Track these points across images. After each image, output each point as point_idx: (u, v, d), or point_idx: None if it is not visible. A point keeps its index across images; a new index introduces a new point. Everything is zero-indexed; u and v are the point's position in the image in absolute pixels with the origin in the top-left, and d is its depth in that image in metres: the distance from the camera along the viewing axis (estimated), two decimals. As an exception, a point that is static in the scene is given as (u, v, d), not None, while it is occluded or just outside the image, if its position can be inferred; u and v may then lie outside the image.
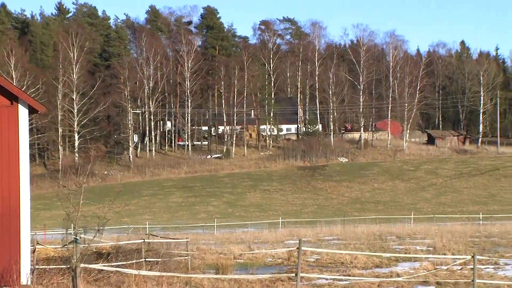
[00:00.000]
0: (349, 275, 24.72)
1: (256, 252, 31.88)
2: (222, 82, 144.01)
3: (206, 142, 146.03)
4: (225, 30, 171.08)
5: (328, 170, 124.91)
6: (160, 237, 33.66)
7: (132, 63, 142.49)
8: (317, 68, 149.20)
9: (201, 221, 78.10)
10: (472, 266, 21.73)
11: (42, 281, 19.46)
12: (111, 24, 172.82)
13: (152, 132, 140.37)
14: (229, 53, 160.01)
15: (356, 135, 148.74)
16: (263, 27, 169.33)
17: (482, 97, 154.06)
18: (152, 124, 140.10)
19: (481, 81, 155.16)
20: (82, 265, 17.04)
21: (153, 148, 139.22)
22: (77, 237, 16.94)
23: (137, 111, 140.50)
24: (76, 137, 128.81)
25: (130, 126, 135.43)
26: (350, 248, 35.93)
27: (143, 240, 25.51)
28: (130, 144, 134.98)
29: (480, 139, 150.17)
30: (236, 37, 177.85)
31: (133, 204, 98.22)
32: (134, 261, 22.66)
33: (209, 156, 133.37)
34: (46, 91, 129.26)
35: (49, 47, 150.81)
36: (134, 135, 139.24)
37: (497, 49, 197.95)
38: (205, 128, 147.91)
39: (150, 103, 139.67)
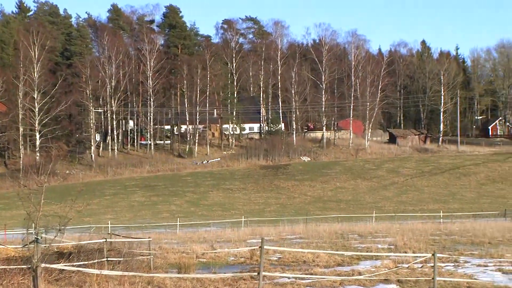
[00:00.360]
0: (311, 274, 24.82)
1: (218, 251, 31.88)
2: (185, 81, 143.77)
3: (169, 141, 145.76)
4: (188, 29, 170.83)
5: (291, 169, 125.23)
6: (122, 236, 33.52)
7: (94, 62, 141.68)
8: (279, 67, 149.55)
9: (163, 220, 77.88)
10: (432, 264, 21.92)
11: (2, 282, 19.31)
12: (73, 22, 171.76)
13: (114, 131, 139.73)
14: (191, 52, 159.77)
15: (318, 134, 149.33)
16: (225, 26, 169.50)
17: (442, 96, 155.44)
18: (114, 123, 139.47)
19: (442, 80, 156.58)
20: (43, 265, 16.95)
21: (115, 147, 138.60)
22: (38, 237, 16.84)
23: (99, 110, 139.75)
24: (37, 136, 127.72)
25: (92, 125, 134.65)
26: (312, 246, 36.07)
27: (105, 240, 25.39)
28: (92, 143, 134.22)
29: (440, 138, 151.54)
30: (199, 36, 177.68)
31: (95, 204, 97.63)
32: (96, 260, 22.55)
33: (205, 161, 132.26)
34: (7, 90, 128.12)
35: (10, 46, 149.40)
36: (96, 134, 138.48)
37: (457, 48, 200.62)
38: (167, 127, 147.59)
39: (112, 102, 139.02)
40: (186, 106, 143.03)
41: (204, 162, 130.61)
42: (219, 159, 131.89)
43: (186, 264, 25.57)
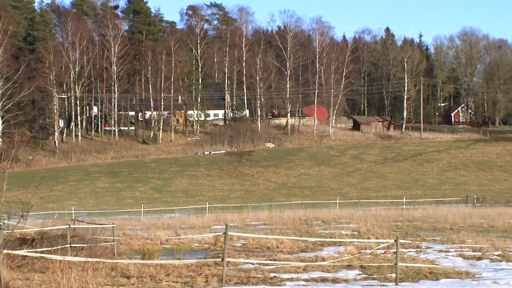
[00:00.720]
0: (275, 260, 24.95)
1: (182, 238, 31.93)
2: (149, 67, 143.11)
3: (133, 128, 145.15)
4: (152, 15, 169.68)
5: (255, 156, 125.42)
6: (86, 222, 33.43)
7: (58, 47, 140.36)
8: (244, 54, 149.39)
9: (127, 207, 77.64)
10: (395, 250, 22.15)
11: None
12: (36, 7, 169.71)
13: (78, 117, 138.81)
14: (156, 38, 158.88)
15: (283, 121, 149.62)
16: (190, 12, 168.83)
17: (406, 84, 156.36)
18: (78, 109, 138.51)
19: (405, 67, 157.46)
20: (5, 251, 16.89)
21: (79, 133, 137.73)
22: (0, 223, 16.76)
23: (63, 96, 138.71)
24: (0, 122, 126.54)
25: (55, 111, 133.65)
26: (276, 233, 36.23)
27: (68, 226, 25.32)
28: (56, 129, 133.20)
29: (404, 125, 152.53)
30: (163, 22, 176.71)
31: (58, 190, 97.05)
32: (59, 247, 22.49)
33: (207, 152, 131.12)
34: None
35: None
36: (59, 120, 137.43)
37: (420, 36, 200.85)
38: (132, 113, 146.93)
39: (76, 88, 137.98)
40: (150, 92, 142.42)
41: (206, 153, 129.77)
42: (224, 151, 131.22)
43: (150, 250, 25.59)
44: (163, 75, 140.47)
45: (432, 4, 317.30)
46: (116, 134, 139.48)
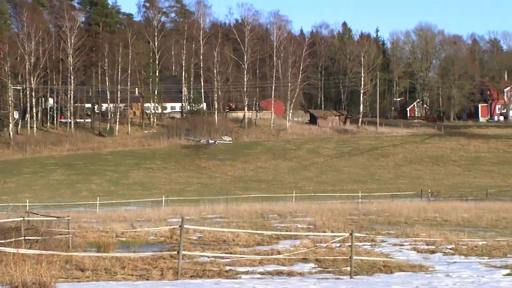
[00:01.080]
0: (231, 253, 25.03)
1: (138, 231, 31.85)
2: (106, 59, 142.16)
3: (89, 120, 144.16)
4: (109, 6, 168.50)
5: (212, 149, 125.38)
6: (41, 215, 33.20)
7: (13, 38, 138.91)
8: (201, 47, 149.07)
9: (83, 199, 77.14)
10: (350, 244, 22.32)
11: None
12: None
13: (34, 109, 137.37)
14: (113, 30, 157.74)
15: (240, 114, 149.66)
16: (147, 4, 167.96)
17: (362, 78, 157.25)
18: (34, 101, 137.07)
19: (362, 62, 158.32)
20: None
21: (35, 125, 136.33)
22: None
23: (18, 87, 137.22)
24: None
25: (10, 102, 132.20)
26: (232, 226, 36.31)
27: (22, 218, 25.12)
28: (11, 121, 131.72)
29: (360, 119, 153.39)
30: (121, 14, 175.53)
31: (12, 182, 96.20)
32: (13, 239, 22.33)
33: (212, 141, 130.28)
34: None
35: None
36: (14, 112, 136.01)
37: (377, 31, 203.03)
38: (88, 105, 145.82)
39: (32, 79, 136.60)
40: (107, 84, 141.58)
41: (212, 142, 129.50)
42: (231, 140, 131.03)
43: (106, 243, 25.52)
44: (120, 67, 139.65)
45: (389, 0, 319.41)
46: (72, 126, 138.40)
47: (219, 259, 23.24)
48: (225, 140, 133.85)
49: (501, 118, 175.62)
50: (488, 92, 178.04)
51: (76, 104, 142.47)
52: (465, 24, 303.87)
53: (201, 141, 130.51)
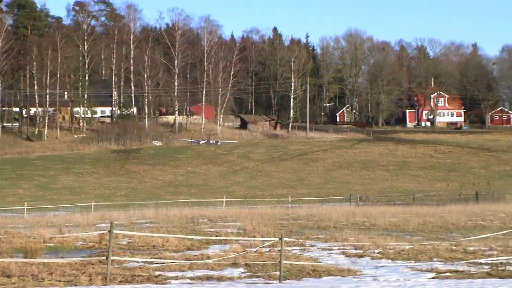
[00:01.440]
0: (160, 258, 24.94)
1: (67, 236, 31.51)
2: (35, 63, 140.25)
3: (17, 124, 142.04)
4: (38, 9, 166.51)
5: (142, 154, 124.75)
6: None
7: None
8: (132, 51, 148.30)
9: (10, 204, 75.95)
10: (279, 248, 22.45)
11: None
12: None
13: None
14: (41, 33, 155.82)
15: (170, 119, 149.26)
16: (77, 8, 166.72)
17: (293, 83, 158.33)
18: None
19: (292, 67, 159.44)
20: None
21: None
22: None
23: None
24: None
25: None
26: (162, 231, 36.16)
27: None
28: None
29: (290, 124, 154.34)
30: (49, 17, 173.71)
31: None
32: None
33: (213, 141, 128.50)
34: None
35: None
36: None
37: (307, 36, 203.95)
38: (16, 109, 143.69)
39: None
40: (35, 88, 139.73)
41: (212, 142, 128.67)
42: (236, 141, 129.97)
43: (33, 248, 25.19)
44: (48, 71, 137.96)
45: (319, 5, 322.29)
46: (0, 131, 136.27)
47: (148, 264, 23.17)
48: (155, 145, 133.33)
49: (428, 123, 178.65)
50: (416, 98, 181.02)
51: (4, 108, 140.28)
52: (393, 30, 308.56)
53: (200, 142, 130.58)
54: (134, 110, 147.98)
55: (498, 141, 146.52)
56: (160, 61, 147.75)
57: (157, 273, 21.67)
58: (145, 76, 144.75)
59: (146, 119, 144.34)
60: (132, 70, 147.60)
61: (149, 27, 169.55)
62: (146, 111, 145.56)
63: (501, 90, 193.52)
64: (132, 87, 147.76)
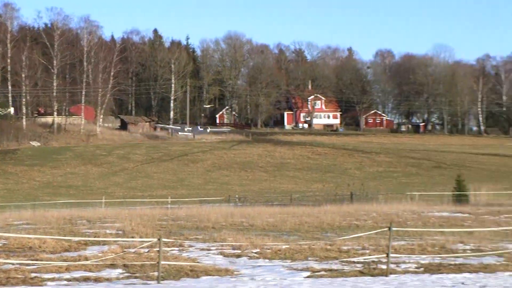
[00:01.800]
0: (36, 260, 24.75)
1: None
2: None
3: None
4: None
5: (20, 154, 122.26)
6: None
7: None
8: (9, 50, 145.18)
9: None
10: (158, 249, 22.63)
11: None
12: None
13: None
14: None
15: (49, 119, 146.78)
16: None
17: (173, 85, 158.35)
18: None
19: (172, 69, 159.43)
20: None
21: None
22: None
23: None
24: None
25: None
26: (39, 232, 35.71)
27: None
28: None
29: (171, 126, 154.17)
30: None
31: None
32: None
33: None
34: None
35: None
36: None
37: (187, 38, 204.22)
38: None
39: None
40: None
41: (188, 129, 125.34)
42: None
43: None
44: None
45: (199, 7, 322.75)
46: None
47: (24, 266, 22.96)
48: (33, 145, 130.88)
49: (306, 125, 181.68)
50: (293, 100, 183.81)
51: None
52: (272, 33, 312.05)
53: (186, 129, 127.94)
54: (12, 110, 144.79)
55: (371, 143, 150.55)
56: (38, 60, 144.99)
57: (33, 275, 21.53)
58: (23, 75, 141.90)
59: (24, 120, 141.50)
60: (9, 69, 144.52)
61: (27, 27, 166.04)
62: (24, 111, 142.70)
63: (374, 93, 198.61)
64: (10, 87, 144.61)
